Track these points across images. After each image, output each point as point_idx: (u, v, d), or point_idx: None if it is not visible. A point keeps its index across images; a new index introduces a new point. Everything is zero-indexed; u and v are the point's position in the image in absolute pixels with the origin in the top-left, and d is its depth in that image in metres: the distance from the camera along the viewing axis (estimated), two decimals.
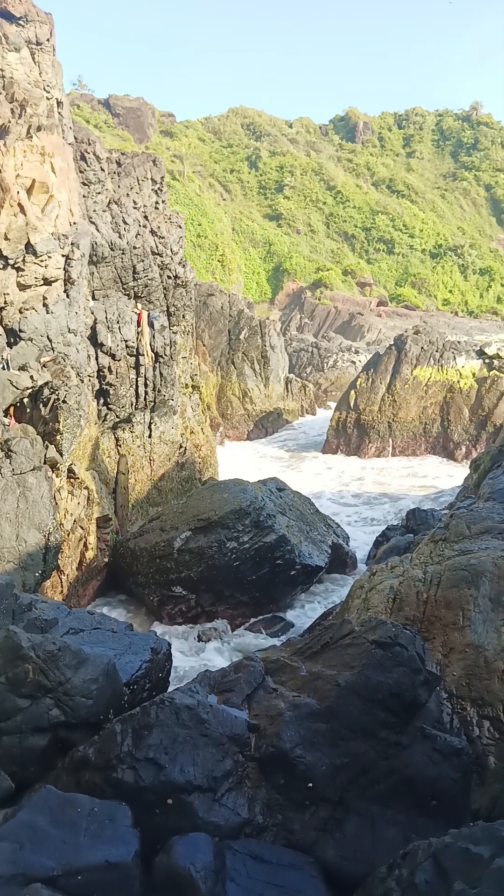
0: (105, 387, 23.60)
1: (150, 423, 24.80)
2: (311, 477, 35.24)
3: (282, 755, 8.23)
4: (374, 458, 39.04)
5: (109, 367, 23.54)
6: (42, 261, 19.04)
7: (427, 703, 8.87)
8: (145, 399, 24.73)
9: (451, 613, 10.05)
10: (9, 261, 18.35)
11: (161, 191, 29.15)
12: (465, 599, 10.06)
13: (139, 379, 24.48)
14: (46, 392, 18.03)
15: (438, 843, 6.14)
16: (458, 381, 39.34)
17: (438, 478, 34.89)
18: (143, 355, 24.48)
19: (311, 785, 8.07)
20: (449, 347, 40.19)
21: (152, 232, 27.56)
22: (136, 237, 26.24)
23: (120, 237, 25.64)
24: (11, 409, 17.91)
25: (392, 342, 41.97)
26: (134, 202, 27.28)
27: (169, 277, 27.93)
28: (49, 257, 19.17)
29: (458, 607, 10.05)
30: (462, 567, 10.55)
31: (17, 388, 17.65)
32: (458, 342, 41.57)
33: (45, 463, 16.33)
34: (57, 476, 16.88)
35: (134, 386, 24.41)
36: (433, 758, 8.38)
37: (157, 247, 27.46)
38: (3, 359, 18.24)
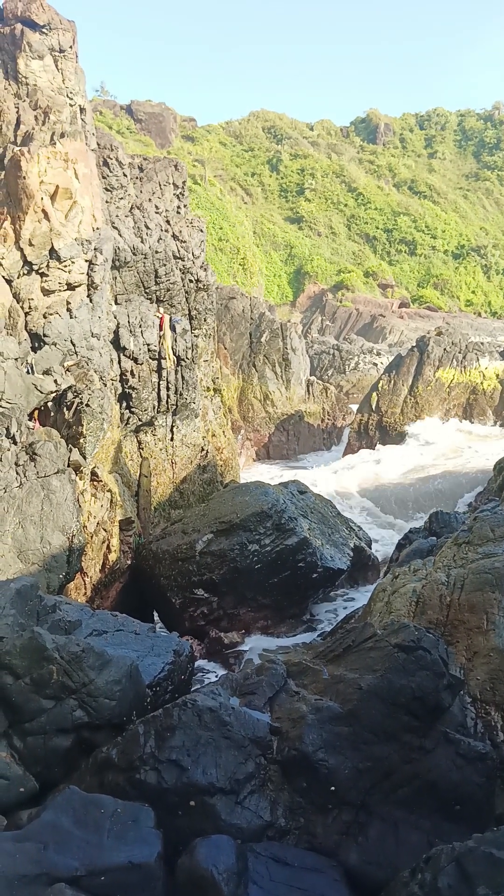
0: (128, 390, 23.75)
1: (172, 427, 24.91)
2: None
3: (304, 758, 8.22)
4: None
5: (132, 371, 23.69)
6: (66, 266, 19.23)
7: (451, 707, 8.80)
8: (167, 402, 24.84)
9: (474, 617, 9.97)
10: (33, 266, 18.57)
11: (183, 195, 29.29)
12: (490, 603, 9.97)
13: (161, 382, 24.61)
14: (70, 396, 18.20)
15: (462, 848, 6.10)
16: (482, 383, 39.03)
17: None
18: (165, 359, 24.60)
19: (333, 788, 8.05)
20: (472, 349, 39.87)
21: (174, 236, 27.70)
22: (158, 242, 26.40)
23: (142, 242, 25.80)
24: (36, 412, 18.09)
25: (414, 344, 41.73)
26: (156, 207, 27.44)
27: (191, 281, 28.04)
28: (72, 262, 19.35)
29: (481, 611, 9.96)
30: (486, 570, 10.45)
31: (42, 392, 17.82)
32: (482, 343, 41.22)
33: (68, 466, 16.47)
34: (80, 479, 17.01)
35: (156, 389, 24.54)
36: (457, 762, 8.32)
37: (178, 251, 27.59)
38: (27, 363, 18.44)
